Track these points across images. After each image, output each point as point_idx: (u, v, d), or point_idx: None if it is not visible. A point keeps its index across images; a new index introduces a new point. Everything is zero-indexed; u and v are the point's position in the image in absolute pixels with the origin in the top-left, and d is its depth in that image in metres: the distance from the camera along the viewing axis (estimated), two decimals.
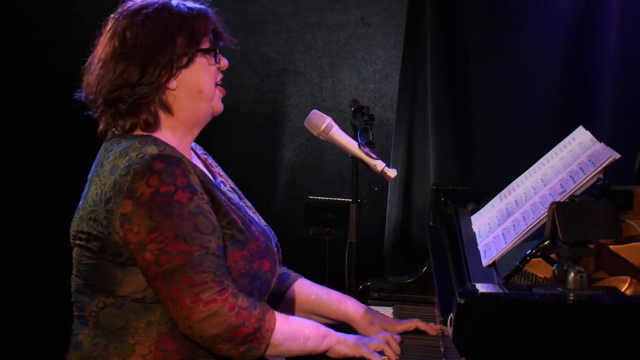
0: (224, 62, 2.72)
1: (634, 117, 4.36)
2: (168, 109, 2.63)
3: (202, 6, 2.69)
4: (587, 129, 3.07)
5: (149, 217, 2.45)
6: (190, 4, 2.68)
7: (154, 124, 2.62)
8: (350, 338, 2.70)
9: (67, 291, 2.69)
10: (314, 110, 3.01)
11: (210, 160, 2.92)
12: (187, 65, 2.62)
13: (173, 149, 2.56)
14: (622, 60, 4.35)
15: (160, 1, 2.65)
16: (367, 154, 2.97)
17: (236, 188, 2.91)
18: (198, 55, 2.64)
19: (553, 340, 2.28)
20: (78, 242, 2.61)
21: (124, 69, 2.58)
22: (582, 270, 2.35)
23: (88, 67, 2.67)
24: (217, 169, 2.92)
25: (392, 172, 2.94)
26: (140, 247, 2.47)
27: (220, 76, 2.72)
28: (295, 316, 2.73)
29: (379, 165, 2.95)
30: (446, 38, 4.51)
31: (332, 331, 2.68)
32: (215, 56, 2.68)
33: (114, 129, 2.65)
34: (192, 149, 2.82)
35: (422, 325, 2.96)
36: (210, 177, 2.75)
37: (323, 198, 4.31)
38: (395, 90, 4.70)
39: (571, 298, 2.31)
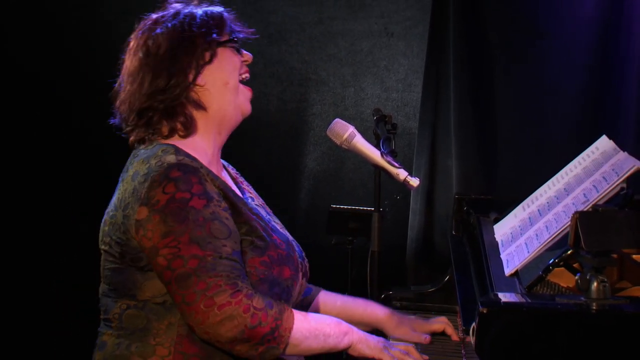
0: (248, 55, 2.80)
1: None
2: (200, 105, 2.69)
3: (214, 7, 2.78)
4: (611, 138, 3.06)
5: (163, 222, 2.48)
6: (201, 9, 2.76)
7: (190, 125, 2.68)
8: (373, 339, 2.68)
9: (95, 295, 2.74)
10: (337, 119, 3.02)
11: (241, 179, 2.96)
12: (211, 60, 2.69)
13: (193, 159, 2.59)
14: None
15: (173, 10, 2.75)
16: (389, 162, 2.96)
17: (265, 207, 2.93)
18: (219, 49, 2.71)
19: (576, 351, 2.27)
20: (103, 246, 2.66)
21: (152, 77, 2.65)
22: (605, 279, 2.34)
23: (118, 88, 2.74)
24: (247, 187, 2.94)
25: (414, 181, 2.93)
26: (154, 252, 2.49)
27: (244, 69, 2.79)
28: (315, 313, 2.72)
29: (402, 174, 2.94)
30: (469, 47, 4.49)
31: (353, 328, 2.67)
32: (237, 49, 2.76)
33: (149, 136, 2.69)
34: (223, 166, 2.87)
35: (449, 330, 2.97)
36: (235, 188, 2.77)
37: (345, 207, 4.31)
38: (418, 99, 4.69)
39: (594, 308, 2.30)
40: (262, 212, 2.80)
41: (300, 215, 4.86)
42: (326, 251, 4.31)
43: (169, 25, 2.69)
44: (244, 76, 2.78)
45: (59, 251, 4.96)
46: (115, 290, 2.62)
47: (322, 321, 2.63)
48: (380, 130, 3.24)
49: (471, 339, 2.36)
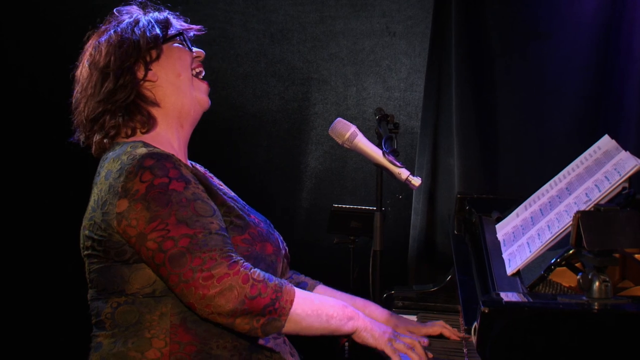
0: (199, 51, 2.85)
1: None
2: (154, 102, 2.74)
3: (160, 13, 2.86)
4: (613, 137, 3.06)
5: (146, 209, 2.49)
6: (146, 16, 2.83)
7: (149, 121, 2.72)
8: (379, 328, 2.67)
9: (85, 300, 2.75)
10: (339, 119, 3.01)
11: (210, 174, 2.97)
12: (158, 57, 2.75)
13: (163, 149, 2.62)
14: None
15: (116, 20, 2.82)
16: (391, 162, 2.96)
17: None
18: (165, 46, 2.77)
19: (577, 350, 2.27)
20: (85, 251, 2.67)
21: (101, 81, 2.71)
22: (607, 279, 2.33)
23: (74, 102, 2.79)
24: (218, 182, 2.96)
25: (416, 181, 2.93)
26: (141, 238, 2.50)
27: (197, 64, 2.84)
28: (320, 295, 2.72)
29: (403, 173, 2.94)
30: (471, 46, 4.50)
31: (360, 314, 2.66)
32: (185, 43, 2.81)
33: (109, 141, 2.72)
34: (192, 164, 2.89)
35: (446, 332, 2.96)
36: (208, 176, 2.84)
37: (347, 206, 4.31)
38: (420, 99, 4.70)
39: (596, 307, 2.30)
40: (234, 195, 2.85)
41: (302, 214, 4.86)
42: (328, 250, 4.31)
43: (111, 32, 2.76)
44: (197, 70, 2.82)
45: (51, 254, 4.95)
46: (104, 291, 2.63)
47: (325, 302, 2.63)
48: (382, 130, 3.24)
49: (473, 338, 2.36)
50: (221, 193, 2.69)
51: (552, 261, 2.63)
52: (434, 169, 4.63)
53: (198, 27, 2.89)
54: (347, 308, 2.65)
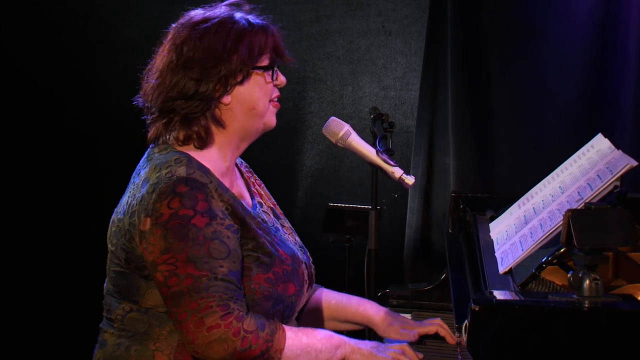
0: (282, 79, 2.74)
1: None
2: (220, 123, 2.66)
3: (264, 22, 2.71)
4: (608, 136, 3.06)
5: (163, 237, 2.48)
6: (252, 19, 2.69)
7: (206, 138, 2.64)
8: (365, 346, 2.67)
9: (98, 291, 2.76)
10: (333, 117, 3.02)
11: (253, 179, 2.94)
12: (242, 82, 2.64)
13: (203, 174, 2.56)
14: None
15: (223, 14, 2.67)
16: (385, 161, 2.96)
17: (276, 208, 2.93)
18: (254, 72, 2.66)
19: (568, 348, 2.28)
20: (110, 246, 2.66)
21: (179, 81, 2.61)
22: (598, 277, 2.34)
23: (146, 74, 2.70)
24: (258, 188, 2.93)
25: (410, 179, 2.93)
26: (153, 266, 2.51)
27: (276, 93, 2.74)
28: (307, 328, 2.69)
29: (397, 172, 2.94)
30: (467, 45, 4.50)
31: (345, 339, 2.66)
32: (272, 74, 2.70)
33: (166, 137, 2.67)
34: (236, 165, 2.84)
35: (442, 332, 2.96)
36: (246, 194, 2.78)
37: (343, 205, 4.32)
38: (416, 98, 4.70)
39: (586, 305, 2.30)
40: (270, 222, 2.78)
41: (297, 213, 4.86)
42: (324, 249, 4.31)
43: (211, 32, 2.62)
44: (273, 98, 2.73)
45: (56, 248, 4.98)
46: (119, 293, 2.63)
47: (313, 337, 2.62)
48: (377, 129, 3.25)
49: (463, 336, 2.36)
50: (254, 225, 2.63)
51: (544, 260, 2.64)
52: (430, 168, 4.63)
53: (293, 60, 2.78)
54: (333, 337, 2.65)
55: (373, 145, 3.05)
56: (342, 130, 2.98)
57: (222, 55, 2.60)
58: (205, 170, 2.58)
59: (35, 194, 5.01)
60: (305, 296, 2.81)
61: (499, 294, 2.44)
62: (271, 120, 2.75)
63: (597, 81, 4.43)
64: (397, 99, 4.83)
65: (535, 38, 4.48)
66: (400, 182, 2.94)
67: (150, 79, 2.67)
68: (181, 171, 2.53)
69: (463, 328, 2.37)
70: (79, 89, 4.94)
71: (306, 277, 2.77)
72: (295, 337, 2.58)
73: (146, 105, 2.69)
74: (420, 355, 2.71)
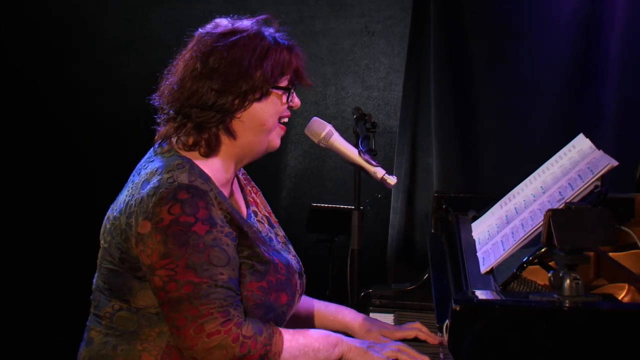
0: (297, 102, 2.75)
1: (637, 124, 4.35)
2: (232, 135, 2.65)
3: (291, 42, 2.71)
4: (592, 136, 3.07)
5: (163, 243, 2.47)
6: (279, 37, 2.68)
7: (214, 146, 2.64)
8: (362, 345, 2.67)
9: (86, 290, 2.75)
10: (315, 118, 3.02)
11: (249, 187, 2.95)
12: (260, 99, 2.64)
13: (204, 182, 2.56)
14: (626, 68, 4.34)
15: (252, 29, 2.66)
16: (367, 161, 2.96)
17: (271, 216, 2.94)
18: (273, 91, 2.65)
19: (548, 347, 2.29)
20: (103, 243, 2.65)
21: (199, 90, 2.59)
22: (578, 277, 2.35)
23: (166, 75, 2.69)
24: (254, 196, 2.94)
25: (392, 180, 2.92)
26: (151, 270, 2.50)
27: (287, 114, 2.74)
28: (303, 329, 2.69)
29: (379, 172, 2.94)
30: (450, 45, 4.50)
31: (343, 338, 2.67)
32: (288, 95, 2.70)
33: (174, 140, 2.66)
34: (240, 174, 2.87)
35: (422, 335, 2.95)
36: (243, 207, 2.78)
37: (326, 205, 4.32)
38: (399, 98, 4.70)
39: (567, 305, 2.31)
40: (264, 232, 2.78)
41: (281, 213, 4.85)
42: (307, 249, 4.31)
43: (238, 46, 2.61)
44: (284, 120, 2.74)
45: (44, 245, 4.98)
46: (110, 290, 2.62)
47: (310, 337, 2.63)
48: (360, 129, 3.25)
49: (444, 336, 2.37)
50: (251, 233, 2.63)
51: (525, 259, 2.64)
52: (413, 168, 4.63)
53: (312, 84, 2.78)
54: (330, 336, 2.66)
55: (356, 145, 3.05)
56: (324, 131, 2.98)
57: (246, 71, 2.59)
58: (206, 178, 2.57)
59: (23, 192, 5.00)
60: (296, 306, 2.81)
61: (480, 294, 2.45)
62: (275, 140, 2.75)
63: (581, 81, 4.43)
64: (380, 99, 4.84)
65: (518, 38, 4.48)
66: (382, 182, 2.94)
67: (171, 82, 2.66)
68: (183, 177, 2.52)
69: (444, 328, 2.37)
70: (64, 89, 4.93)
71: (299, 287, 2.77)
72: (292, 339, 2.58)
73: (161, 105, 2.68)
74: (427, 358, 2.70)
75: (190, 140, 2.63)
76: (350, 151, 2.99)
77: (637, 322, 2.30)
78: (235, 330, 2.47)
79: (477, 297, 2.40)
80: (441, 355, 2.81)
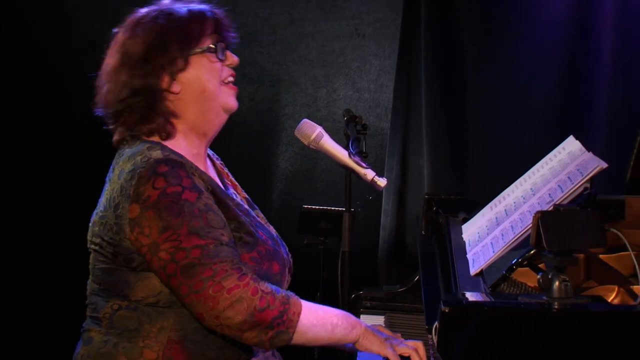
0: (233, 59, 2.74)
1: (628, 125, 4.34)
2: (175, 114, 2.65)
3: (203, 6, 2.71)
4: (582, 137, 3.07)
5: (158, 217, 2.46)
6: (192, 6, 2.69)
7: (170, 129, 2.64)
8: (380, 334, 2.65)
9: (81, 293, 2.74)
10: (305, 120, 3.01)
11: (226, 170, 2.94)
12: (184, 68, 2.63)
13: (180, 156, 2.57)
14: (617, 69, 4.35)
15: (160, 8, 2.69)
16: (357, 163, 2.95)
17: (249, 199, 2.93)
18: (195, 56, 2.65)
19: (537, 349, 2.29)
20: (93, 247, 2.64)
21: (127, 79, 2.61)
22: (567, 279, 2.35)
23: (99, 82, 2.70)
24: (232, 179, 2.94)
25: (382, 182, 2.92)
26: (154, 247, 2.48)
27: (227, 72, 2.72)
28: (321, 305, 2.65)
29: (369, 174, 2.93)
30: (440, 47, 4.51)
31: (361, 322, 2.65)
32: (217, 54, 2.68)
33: (128, 137, 2.66)
34: (209, 156, 2.85)
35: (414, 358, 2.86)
36: (221, 185, 2.76)
37: (317, 207, 4.31)
38: (390, 100, 4.71)
39: (555, 307, 2.32)
40: (245, 206, 2.78)
41: (272, 215, 4.85)
42: (298, 251, 4.30)
43: (148, 26, 2.64)
44: (227, 80, 2.72)
45: (34, 248, 4.97)
46: (107, 290, 2.61)
47: (329, 311, 2.61)
48: (350, 131, 3.24)
49: (433, 338, 2.37)
50: (233, 205, 2.63)
51: (514, 261, 2.65)
52: (404, 171, 4.63)
53: (234, 35, 2.78)
54: (350, 317, 2.64)
55: (346, 147, 3.04)
56: (314, 133, 2.97)
57: (159, 46, 2.61)
58: (179, 155, 2.58)
59: (22, 192, 4.99)
60: (287, 280, 2.80)
61: (469, 296, 2.45)
62: (228, 101, 2.72)
63: (571, 83, 4.45)
64: (371, 101, 4.84)
65: (509, 39, 4.49)
66: (372, 184, 2.93)
67: (102, 84, 2.68)
68: (157, 154, 2.53)
69: (433, 329, 2.37)
70: (55, 89, 4.92)
71: (286, 262, 2.76)
72: (312, 308, 2.57)
73: (105, 111, 2.69)
74: None
75: (146, 130, 2.64)
76: (340, 153, 2.98)
77: (626, 324, 2.31)
78: (253, 284, 2.45)
79: (466, 298, 2.40)
80: (431, 358, 2.81)
